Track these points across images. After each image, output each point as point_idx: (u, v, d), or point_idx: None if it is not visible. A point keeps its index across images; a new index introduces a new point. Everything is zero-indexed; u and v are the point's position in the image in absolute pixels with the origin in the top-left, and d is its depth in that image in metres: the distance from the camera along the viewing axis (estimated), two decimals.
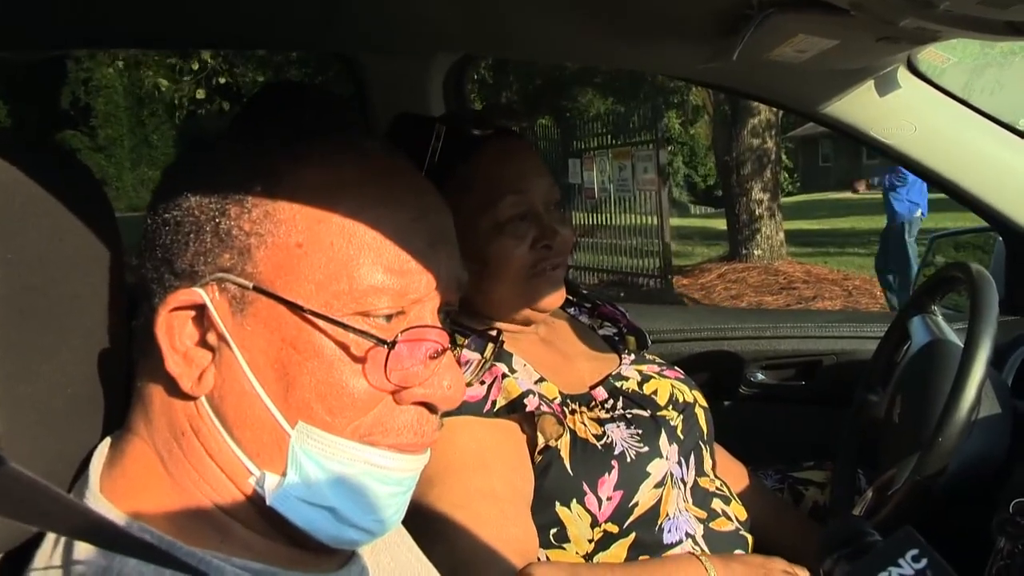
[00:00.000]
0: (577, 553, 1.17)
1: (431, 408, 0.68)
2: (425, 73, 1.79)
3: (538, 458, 1.17)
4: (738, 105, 10.39)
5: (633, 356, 1.42)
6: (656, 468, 1.20)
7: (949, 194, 1.66)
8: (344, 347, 0.62)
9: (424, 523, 0.99)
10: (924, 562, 0.74)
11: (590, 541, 1.17)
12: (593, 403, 1.27)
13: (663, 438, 1.23)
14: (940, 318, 1.43)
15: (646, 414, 1.26)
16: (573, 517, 1.16)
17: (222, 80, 11.88)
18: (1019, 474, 1.21)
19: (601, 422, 1.23)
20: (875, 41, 1.20)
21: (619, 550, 1.18)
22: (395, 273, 0.64)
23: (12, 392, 0.59)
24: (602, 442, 1.20)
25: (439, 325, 0.68)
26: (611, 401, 1.28)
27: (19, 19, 1.21)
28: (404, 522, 0.75)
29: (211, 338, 0.63)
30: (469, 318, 1.24)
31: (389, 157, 0.70)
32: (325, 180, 0.65)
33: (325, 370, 0.62)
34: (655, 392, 1.33)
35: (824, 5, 1.08)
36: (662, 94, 15.34)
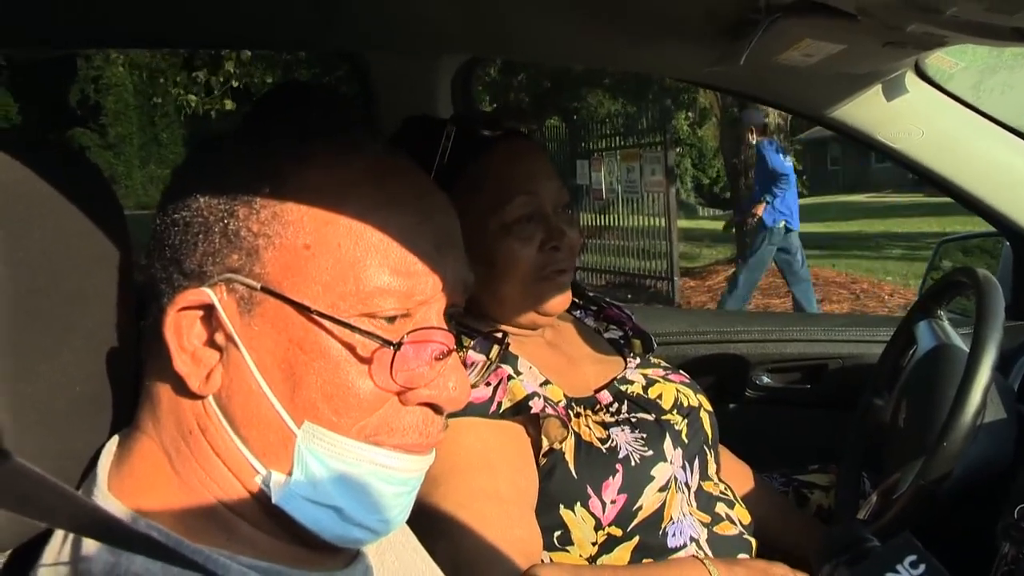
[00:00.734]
0: (581, 556, 1.17)
1: (436, 409, 0.68)
2: (432, 74, 1.80)
3: (543, 460, 1.17)
4: (746, 107, 10.36)
5: (638, 360, 1.42)
6: (660, 472, 1.20)
7: (956, 198, 1.66)
8: (350, 348, 0.63)
9: (428, 523, 1.00)
10: (922, 568, 0.74)
11: (593, 544, 1.17)
12: (598, 406, 1.27)
13: (667, 442, 1.23)
14: (946, 323, 1.43)
15: (650, 418, 1.27)
16: (577, 520, 1.17)
17: (235, 84, 11.91)
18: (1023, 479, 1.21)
19: (606, 425, 1.23)
20: (882, 46, 1.20)
21: (623, 553, 1.18)
22: (401, 275, 0.65)
23: (18, 391, 0.60)
24: (606, 445, 1.20)
25: (445, 327, 0.68)
26: (616, 405, 1.29)
27: (19, 18, 1.22)
28: (409, 522, 0.76)
29: (219, 338, 0.63)
30: (475, 320, 1.25)
31: (395, 159, 0.70)
32: (332, 182, 0.65)
33: (331, 370, 0.63)
34: (660, 396, 1.33)
35: (831, 10, 1.08)
36: (671, 95, 15.33)
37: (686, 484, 1.26)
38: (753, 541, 1.29)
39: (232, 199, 0.64)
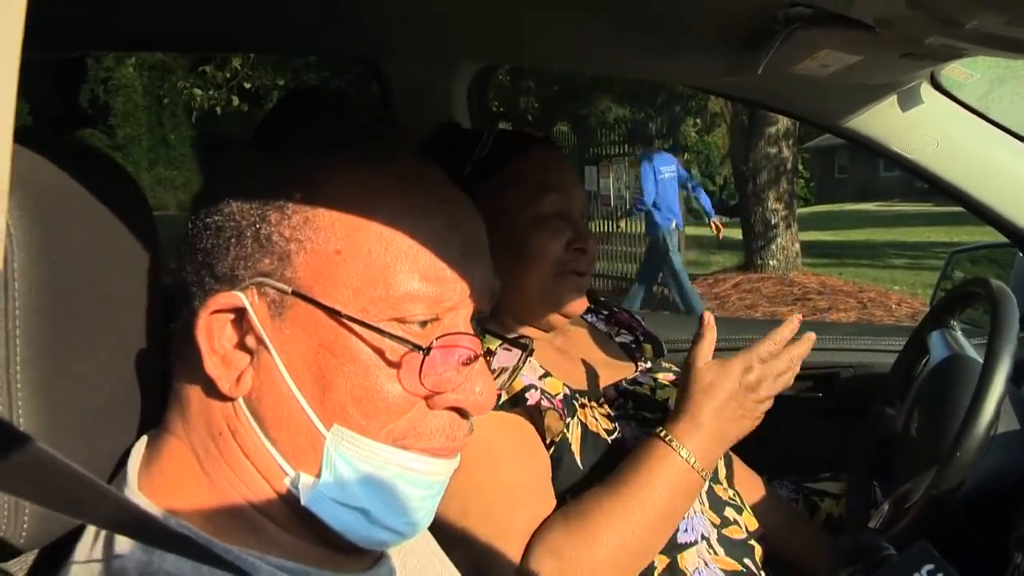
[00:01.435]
0: None
1: (462, 413, 0.69)
2: (450, 81, 1.81)
3: (550, 451, 1.18)
4: (755, 115, 10.38)
5: (649, 364, 1.43)
6: None
7: (970, 209, 1.66)
8: (380, 352, 0.64)
9: (442, 527, 1.01)
10: None
11: None
12: (603, 400, 1.29)
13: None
14: (959, 333, 1.44)
15: (656, 418, 1.28)
16: None
17: (246, 84, 11.96)
18: None
19: (612, 418, 1.25)
20: (899, 57, 1.21)
21: None
22: (430, 281, 0.65)
23: (53, 391, 0.61)
24: (613, 437, 1.21)
25: (472, 332, 0.69)
26: (621, 400, 1.30)
27: (30, 21, 1.23)
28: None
29: (250, 341, 0.64)
30: (493, 317, 1.26)
31: (424, 166, 0.71)
32: (363, 189, 0.66)
33: (361, 374, 0.63)
34: (667, 400, 1.34)
35: (849, 21, 1.09)
36: (679, 102, 15.34)
37: None
38: (758, 547, 1.30)
39: (264, 204, 0.65)
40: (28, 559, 0.66)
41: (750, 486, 1.46)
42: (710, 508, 1.28)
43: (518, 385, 1.17)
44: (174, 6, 1.30)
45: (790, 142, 10.52)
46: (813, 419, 1.95)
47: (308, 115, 0.76)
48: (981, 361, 1.28)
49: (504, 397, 1.16)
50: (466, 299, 0.68)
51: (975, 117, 1.56)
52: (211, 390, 0.65)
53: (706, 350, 1.20)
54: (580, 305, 1.30)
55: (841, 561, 0.89)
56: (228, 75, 11.64)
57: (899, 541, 1.11)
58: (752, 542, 1.29)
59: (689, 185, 8.63)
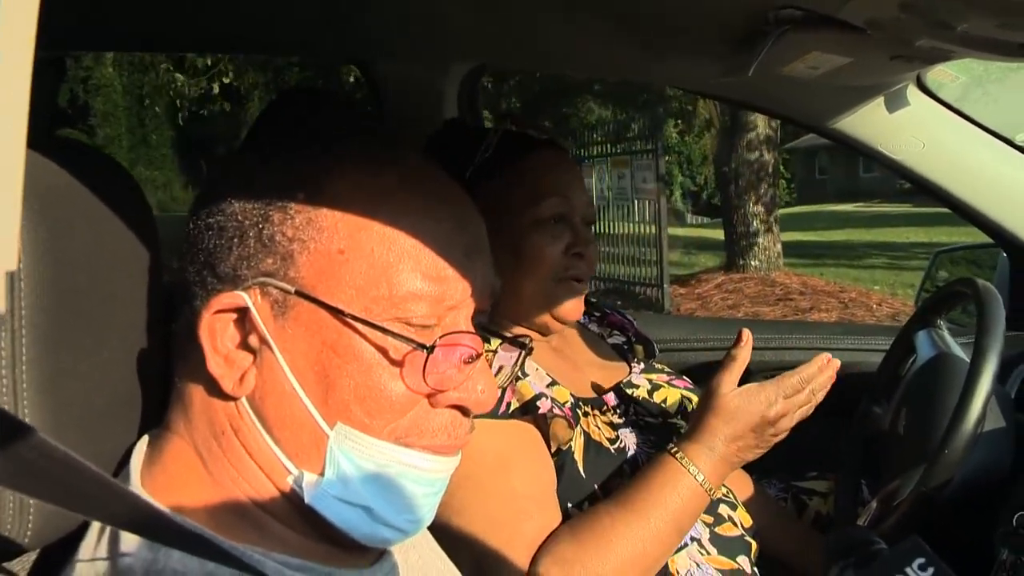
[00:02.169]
0: None
1: (464, 411, 0.69)
2: (441, 81, 1.81)
3: (553, 459, 1.19)
4: (737, 116, 10.42)
5: (642, 365, 1.44)
6: None
7: (955, 210, 1.68)
8: (383, 351, 0.64)
9: (448, 531, 1.01)
10: (930, 571, 0.76)
11: None
12: (605, 407, 1.29)
13: (672, 443, 1.25)
14: (946, 332, 1.45)
15: (657, 422, 1.28)
16: None
17: (226, 80, 11.91)
18: (1022, 487, 1.23)
19: (614, 426, 1.25)
20: (889, 60, 1.22)
21: None
22: (433, 280, 0.66)
23: (58, 389, 0.61)
24: (615, 446, 1.22)
25: (473, 331, 0.70)
26: (622, 407, 1.31)
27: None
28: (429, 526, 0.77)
29: (252, 340, 0.64)
30: (491, 320, 1.26)
31: (426, 166, 0.72)
32: (366, 188, 0.66)
33: (364, 373, 0.64)
34: (664, 400, 1.35)
35: (840, 24, 1.10)
36: (662, 103, 15.38)
37: None
38: (754, 543, 1.31)
39: (267, 204, 0.65)
40: (30, 558, 0.66)
41: (740, 485, 1.47)
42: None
43: (528, 393, 1.17)
44: (167, 5, 1.29)
45: (771, 144, 10.58)
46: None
47: (307, 115, 0.76)
48: (967, 360, 1.29)
49: (515, 405, 1.16)
50: (468, 298, 0.69)
51: (961, 119, 1.58)
52: (213, 389, 0.65)
53: (735, 373, 1.20)
54: (576, 311, 1.30)
55: (832, 556, 0.90)
56: (208, 63, 11.60)
57: (888, 538, 1.12)
58: (748, 538, 1.30)
59: None
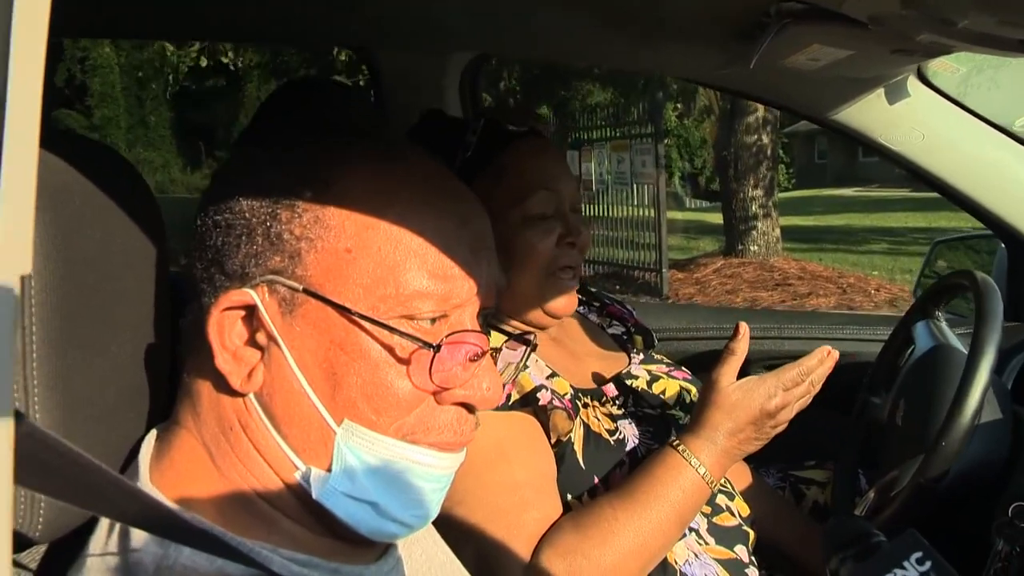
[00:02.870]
0: None
1: (469, 408, 0.70)
2: (442, 70, 1.82)
3: (553, 451, 1.20)
4: (736, 101, 10.39)
5: (642, 355, 1.44)
6: None
7: (954, 201, 1.69)
8: (390, 349, 0.65)
9: (451, 524, 1.02)
10: (928, 564, 0.77)
11: None
12: (604, 399, 1.30)
13: (673, 436, 1.26)
14: (944, 323, 1.46)
15: (655, 413, 1.29)
16: None
17: (224, 60, 11.85)
18: (1018, 478, 1.23)
19: (614, 418, 1.26)
20: (890, 53, 1.23)
21: None
22: (439, 279, 0.66)
23: (68, 386, 0.61)
24: (615, 437, 1.23)
25: (479, 329, 0.70)
26: (622, 398, 1.31)
27: None
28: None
29: (260, 337, 0.65)
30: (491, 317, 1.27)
31: (430, 164, 0.72)
32: (373, 187, 0.67)
33: (371, 371, 0.64)
34: (663, 392, 1.36)
35: (842, 17, 1.10)
36: (661, 87, 15.35)
37: None
38: (752, 533, 1.32)
39: (274, 202, 0.65)
40: (39, 551, 0.67)
41: (738, 474, 1.48)
42: None
43: (528, 385, 1.18)
44: None
45: (769, 129, 10.56)
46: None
47: (310, 109, 0.77)
48: (965, 351, 1.30)
49: (515, 397, 1.17)
50: (474, 296, 0.69)
51: (961, 111, 1.59)
52: (222, 385, 0.66)
53: (734, 367, 1.21)
54: (570, 304, 1.31)
55: (832, 548, 0.91)
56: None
57: (885, 528, 1.14)
58: (746, 528, 1.31)
59: None
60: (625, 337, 1.51)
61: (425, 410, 0.67)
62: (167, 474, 0.67)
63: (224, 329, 0.65)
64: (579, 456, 1.20)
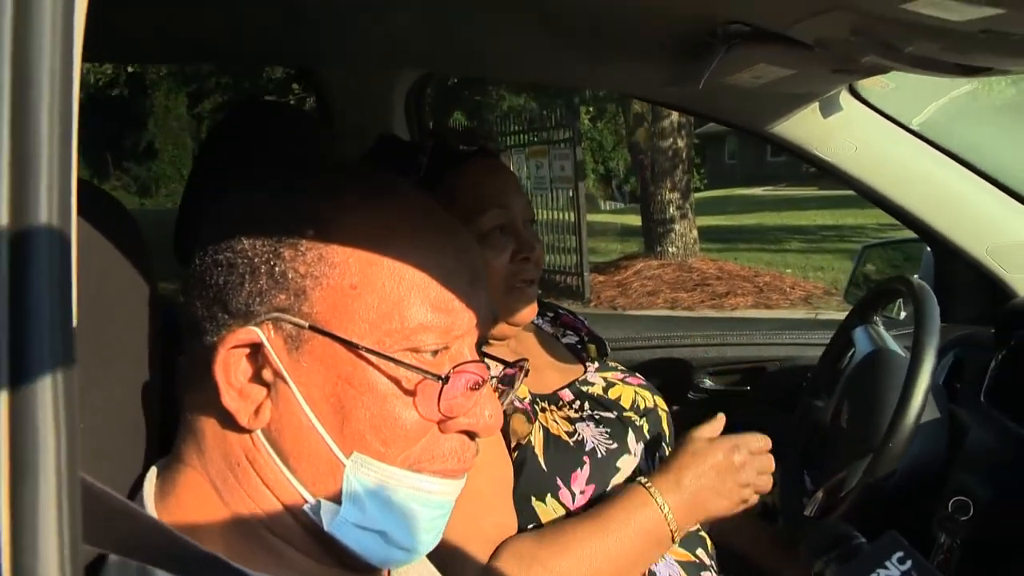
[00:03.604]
0: None
1: (471, 435, 0.72)
2: (389, 89, 1.82)
3: (513, 455, 1.22)
4: (651, 105, 10.54)
5: (597, 364, 1.47)
6: (625, 464, 1.27)
7: (885, 209, 1.76)
8: (397, 382, 0.66)
9: None
10: (909, 563, 0.81)
11: None
12: (561, 403, 1.33)
13: (631, 436, 1.30)
14: (882, 328, 1.52)
15: (612, 415, 1.32)
16: (548, 511, 1.22)
17: (130, 69, 11.53)
18: (956, 474, 1.30)
19: (571, 420, 1.29)
20: (831, 72, 1.28)
21: None
22: (442, 311, 0.68)
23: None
24: (573, 439, 1.26)
25: (478, 358, 0.72)
26: (578, 403, 1.34)
27: None
28: None
29: (266, 374, 0.66)
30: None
31: (424, 198, 0.73)
32: (372, 224, 0.68)
33: (379, 403, 0.66)
34: (619, 397, 1.39)
35: (788, 39, 1.15)
36: (575, 91, 15.46)
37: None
38: (708, 537, 1.36)
39: (277, 241, 0.66)
40: None
41: None
42: None
43: None
44: (105, 15, 1.27)
45: (684, 133, 10.73)
46: (741, 412, 2.03)
47: (262, 127, 0.77)
48: (903, 354, 1.36)
49: None
50: (473, 327, 0.71)
51: (890, 124, 1.66)
52: (227, 422, 0.66)
53: (714, 428, 1.28)
54: (531, 312, 1.33)
55: (814, 552, 0.94)
56: None
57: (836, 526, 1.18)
58: (703, 533, 1.35)
59: None
60: (579, 346, 1.54)
61: (430, 440, 0.69)
62: (175, 512, 0.67)
63: (230, 367, 0.65)
64: (540, 458, 1.22)
